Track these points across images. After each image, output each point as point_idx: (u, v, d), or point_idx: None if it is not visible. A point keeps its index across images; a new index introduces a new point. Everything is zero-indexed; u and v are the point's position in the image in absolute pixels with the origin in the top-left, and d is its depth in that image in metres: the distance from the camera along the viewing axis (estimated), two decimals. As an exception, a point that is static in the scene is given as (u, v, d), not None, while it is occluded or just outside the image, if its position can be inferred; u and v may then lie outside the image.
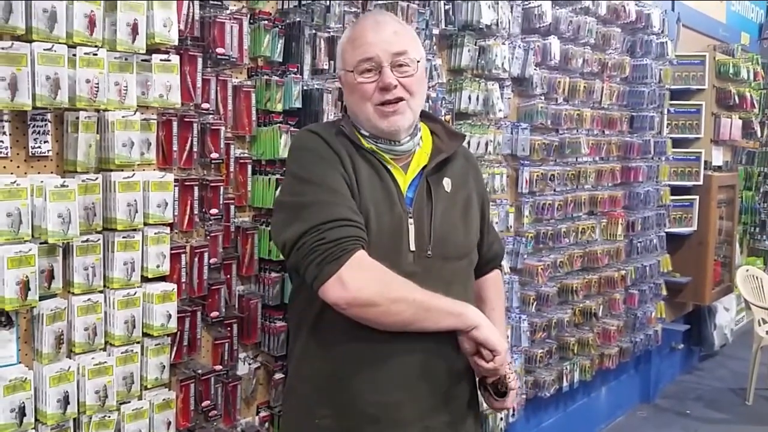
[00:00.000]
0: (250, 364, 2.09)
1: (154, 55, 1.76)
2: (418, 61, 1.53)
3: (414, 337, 1.45)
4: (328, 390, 1.50)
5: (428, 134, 1.64)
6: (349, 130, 1.55)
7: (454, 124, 2.73)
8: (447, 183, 1.59)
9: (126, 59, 1.70)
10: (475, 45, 2.82)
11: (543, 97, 3.25)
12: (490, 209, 1.90)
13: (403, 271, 1.46)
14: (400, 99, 1.50)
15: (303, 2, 2.13)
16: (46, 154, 1.61)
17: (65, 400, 1.61)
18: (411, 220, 1.50)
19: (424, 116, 1.67)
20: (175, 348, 1.86)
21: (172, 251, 1.84)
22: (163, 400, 1.82)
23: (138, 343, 1.77)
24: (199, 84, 1.89)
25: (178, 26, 1.80)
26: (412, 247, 1.49)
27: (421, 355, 1.48)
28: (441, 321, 1.43)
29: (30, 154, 1.58)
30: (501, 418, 3.03)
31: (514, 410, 3.16)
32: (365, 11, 2.32)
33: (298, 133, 1.75)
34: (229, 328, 2.01)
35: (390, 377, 1.47)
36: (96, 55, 1.62)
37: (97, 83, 1.62)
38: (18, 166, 1.58)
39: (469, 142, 2.77)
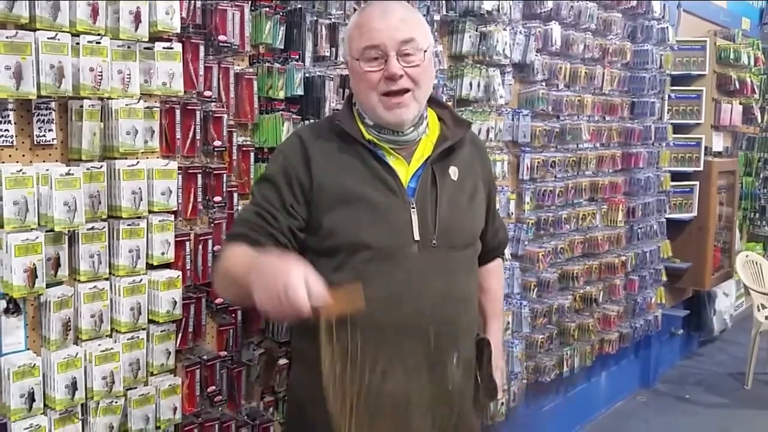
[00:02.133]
0: (254, 350, 2.10)
1: (156, 43, 1.76)
2: (425, 51, 1.50)
3: (424, 328, 1.47)
4: None
5: (436, 121, 1.63)
6: (347, 123, 1.54)
7: (455, 110, 2.73)
8: (453, 171, 1.57)
9: (129, 47, 1.70)
10: (477, 31, 2.81)
11: (544, 84, 3.25)
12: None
13: (409, 261, 1.47)
14: (406, 90, 1.48)
15: (304, -11, 2.13)
16: (51, 142, 1.62)
17: (73, 386, 1.63)
18: (414, 210, 1.50)
19: (433, 102, 1.66)
20: (180, 334, 1.88)
21: (177, 238, 1.85)
22: (169, 385, 1.84)
23: (144, 329, 1.78)
24: (201, 72, 1.89)
25: (180, 14, 1.80)
26: (417, 237, 1.49)
27: (430, 346, 1.50)
28: (235, 287, 1.43)
29: (35, 142, 1.59)
30: (502, 403, 3.05)
31: (514, 395, 3.19)
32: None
33: (291, 133, 1.77)
34: (233, 315, 2.03)
35: (402, 368, 1.48)
36: (99, 43, 1.62)
37: (101, 71, 1.63)
38: (23, 155, 1.59)
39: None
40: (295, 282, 1.18)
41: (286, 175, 1.52)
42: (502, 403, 3.05)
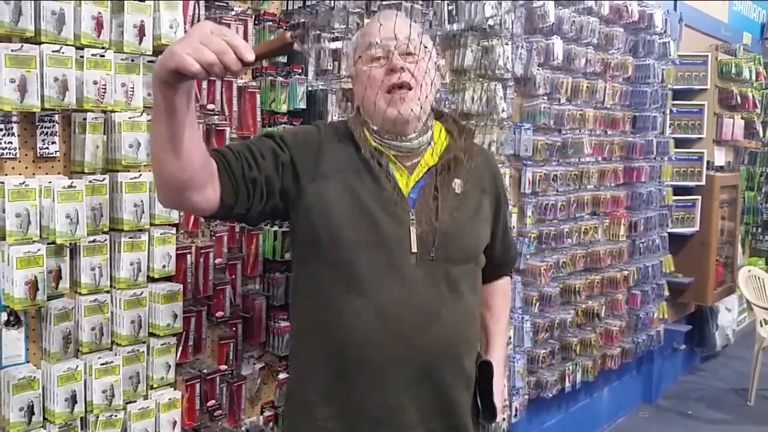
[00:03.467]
0: (254, 363, 2.10)
1: (160, 57, 1.76)
2: (426, 47, 1.50)
3: (419, 341, 1.46)
4: (332, 392, 1.50)
5: (443, 133, 1.62)
6: (356, 130, 1.55)
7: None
8: (457, 184, 1.56)
9: (133, 60, 1.71)
10: (478, 45, 2.82)
11: (546, 98, 3.26)
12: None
13: (405, 273, 1.46)
14: (407, 86, 1.48)
15: (307, 3, 2.14)
16: (54, 155, 1.62)
17: (73, 399, 1.62)
18: (413, 221, 1.49)
19: (440, 115, 1.65)
20: (180, 348, 1.88)
21: (178, 251, 1.85)
22: (169, 399, 1.83)
23: (144, 342, 1.78)
24: (204, 85, 1.90)
25: (184, 27, 1.81)
26: (414, 249, 1.48)
27: (426, 360, 1.48)
28: (158, 123, 1.24)
29: (38, 155, 1.60)
30: (503, 419, 3.04)
31: (516, 411, 3.17)
32: (368, 12, 2.32)
33: (311, 124, 1.77)
34: (233, 328, 2.02)
35: (395, 380, 1.47)
36: (103, 56, 1.63)
37: (105, 84, 1.64)
38: (26, 167, 1.59)
39: (483, 143, 2.78)
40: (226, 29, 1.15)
41: (292, 145, 1.51)
42: (504, 419, 3.03)
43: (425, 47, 1.50)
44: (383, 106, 1.49)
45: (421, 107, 1.51)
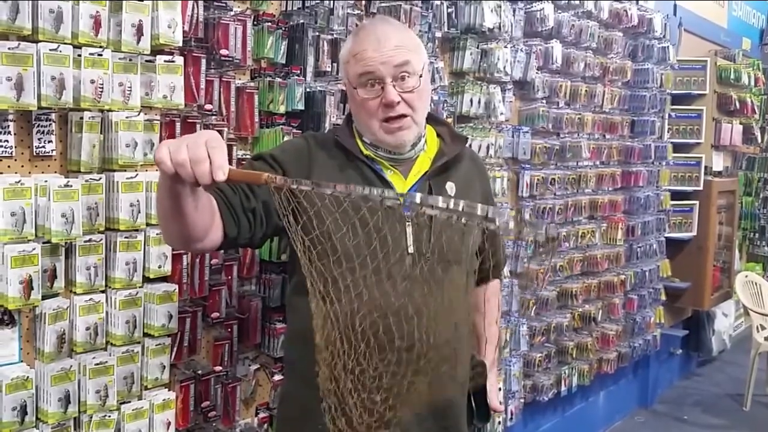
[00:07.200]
0: (249, 365, 2.09)
1: (158, 56, 1.76)
2: (421, 75, 1.51)
3: (413, 341, 1.45)
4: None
5: (434, 138, 1.64)
6: (346, 139, 1.55)
7: (455, 126, 2.73)
8: (450, 187, 1.58)
9: (130, 60, 1.70)
10: (478, 48, 2.82)
11: (544, 101, 3.26)
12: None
13: (402, 274, 1.46)
14: (404, 115, 1.49)
15: (306, 4, 2.13)
16: (50, 153, 1.61)
17: (66, 400, 1.62)
18: (408, 224, 1.50)
19: (431, 119, 1.66)
20: (175, 348, 1.87)
21: (174, 252, 1.84)
22: (163, 400, 1.82)
23: (139, 343, 1.77)
24: (202, 85, 1.89)
25: (183, 27, 1.81)
26: (411, 250, 1.49)
27: (420, 360, 1.48)
28: (161, 196, 1.29)
29: (34, 153, 1.59)
30: (499, 422, 3.03)
31: (512, 414, 3.16)
32: (368, 14, 2.32)
33: (300, 135, 1.78)
34: (229, 329, 2.02)
35: (390, 381, 1.47)
36: (101, 55, 1.63)
37: (102, 84, 1.63)
38: (22, 166, 1.58)
39: (470, 145, 2.77)
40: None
41: (284, 161, 1.52)
42: (500, 423, 3.03)
43: (420, 74, 1.50)
44: (382, 134, 1.51)
45: (418, 129, 1.53)
